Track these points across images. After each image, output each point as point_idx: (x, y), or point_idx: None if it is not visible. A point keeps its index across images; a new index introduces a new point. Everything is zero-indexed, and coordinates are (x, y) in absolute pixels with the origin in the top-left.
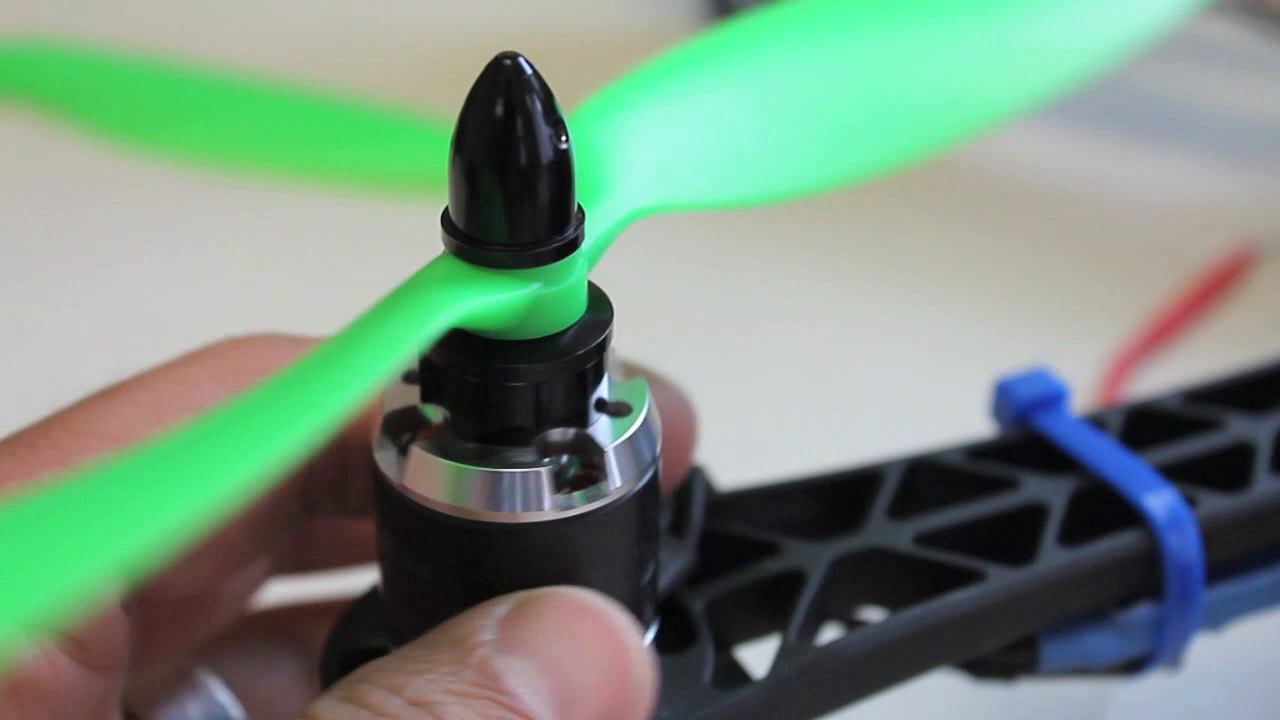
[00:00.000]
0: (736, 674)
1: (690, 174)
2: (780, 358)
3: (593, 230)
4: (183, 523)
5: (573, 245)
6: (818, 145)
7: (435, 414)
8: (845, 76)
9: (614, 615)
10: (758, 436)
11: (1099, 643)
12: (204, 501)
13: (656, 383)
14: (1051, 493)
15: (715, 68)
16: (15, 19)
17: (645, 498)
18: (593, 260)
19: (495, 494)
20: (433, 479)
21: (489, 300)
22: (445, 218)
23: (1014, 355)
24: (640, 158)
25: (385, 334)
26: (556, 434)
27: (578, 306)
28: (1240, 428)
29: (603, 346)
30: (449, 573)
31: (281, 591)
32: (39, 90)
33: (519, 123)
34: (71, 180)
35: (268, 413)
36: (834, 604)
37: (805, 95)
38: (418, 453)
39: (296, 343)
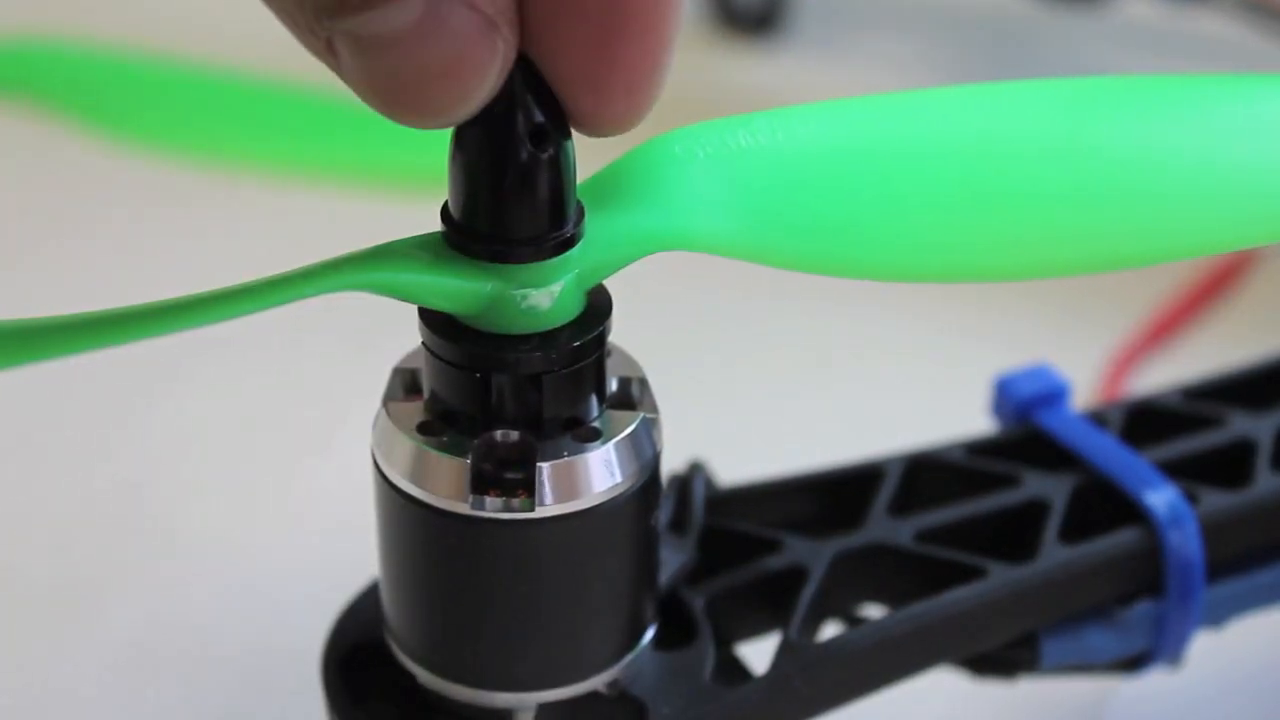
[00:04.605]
0: (737, 671)
1: (747, 221)
2: (781, 354)
3: (604, 246)
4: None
5: (538, 254)
6: (905, 232)
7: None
8: (975, 171)
9: None
10: (758, 433)
11: (1099, 640)
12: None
13: None
14: (1052, 490)
15: (835, 131)
16: (16, 18)
17: (578, 528)
18: (596, 275)
19: (427, 474)
20: (387, 447)
21: (429, 279)
22: (444, 204)
23: (1015, 352)
24: (702, 194)
25: (332, 267)
26: (500, 434)
27: (553, 312)
28: (1241, 425)
29: (559, 362)
30: (408, 548)
31: None
32: (40, 87)
33: (510, 121)
34: (72, 177)
35: (225, 293)
36: (834, 601)
37: (916, 182)
38: (386, 423)
39: None
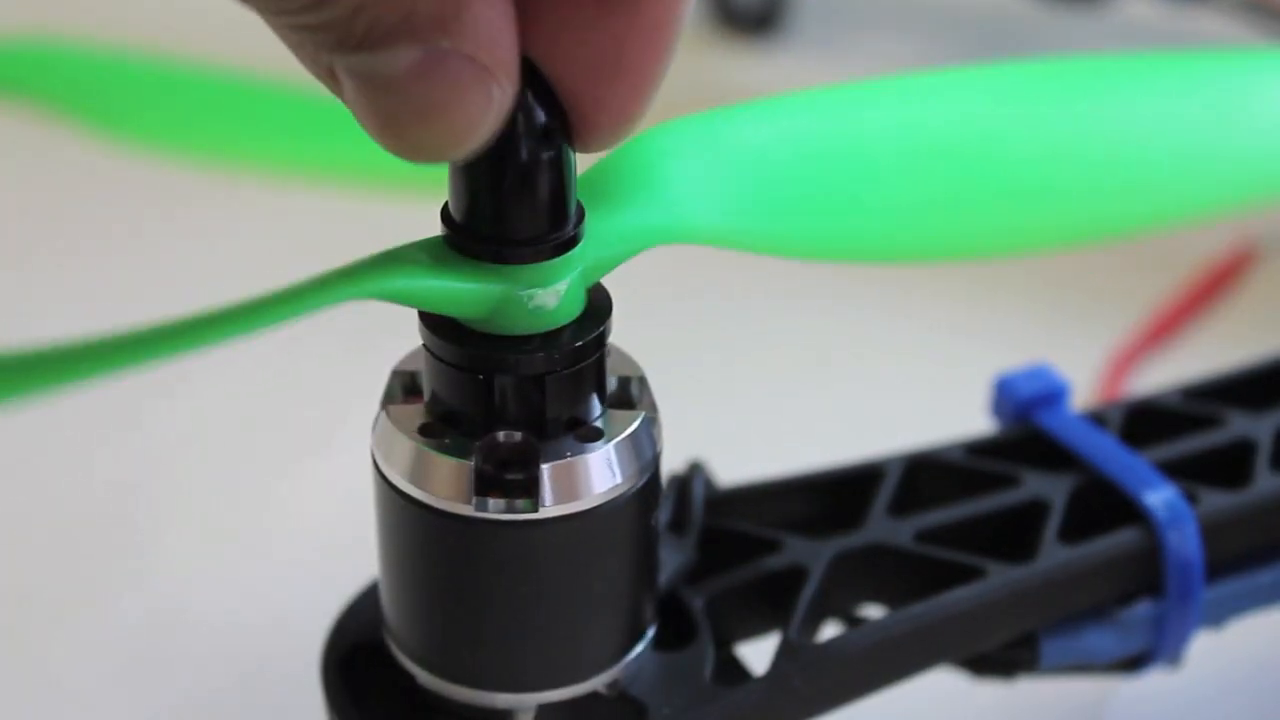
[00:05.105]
0: (737, 671)
1: (738, 213)
2: (781, 354)
3: (604, 242)
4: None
5: (546, 252)
6: (888, 216)
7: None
8: (945, 156)
9: None
10: (758, 433)
11: (1099, 640)
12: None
13: None
14: (1052, 490)
15: (811, 121)
16: (16, 18)
17: (580, 529)
18: (597, 271)
19: (428, 476)
20: (388, 449)
21: (438, 284)
22: (444, 205)
23: (1014, 352)
24: (692, 187)
25: (340, 278)
26: (502, 435)
27: (558, 311)
28: (1241, 425)
29: (561, 362)
30: (408, 549)
31: None
32: (40, 87)
33: (515, 122)
34: (72, 177)
35: (231, 312)
36: (834, 601)
37: (894, 167)
38: (386, 425)
39: None
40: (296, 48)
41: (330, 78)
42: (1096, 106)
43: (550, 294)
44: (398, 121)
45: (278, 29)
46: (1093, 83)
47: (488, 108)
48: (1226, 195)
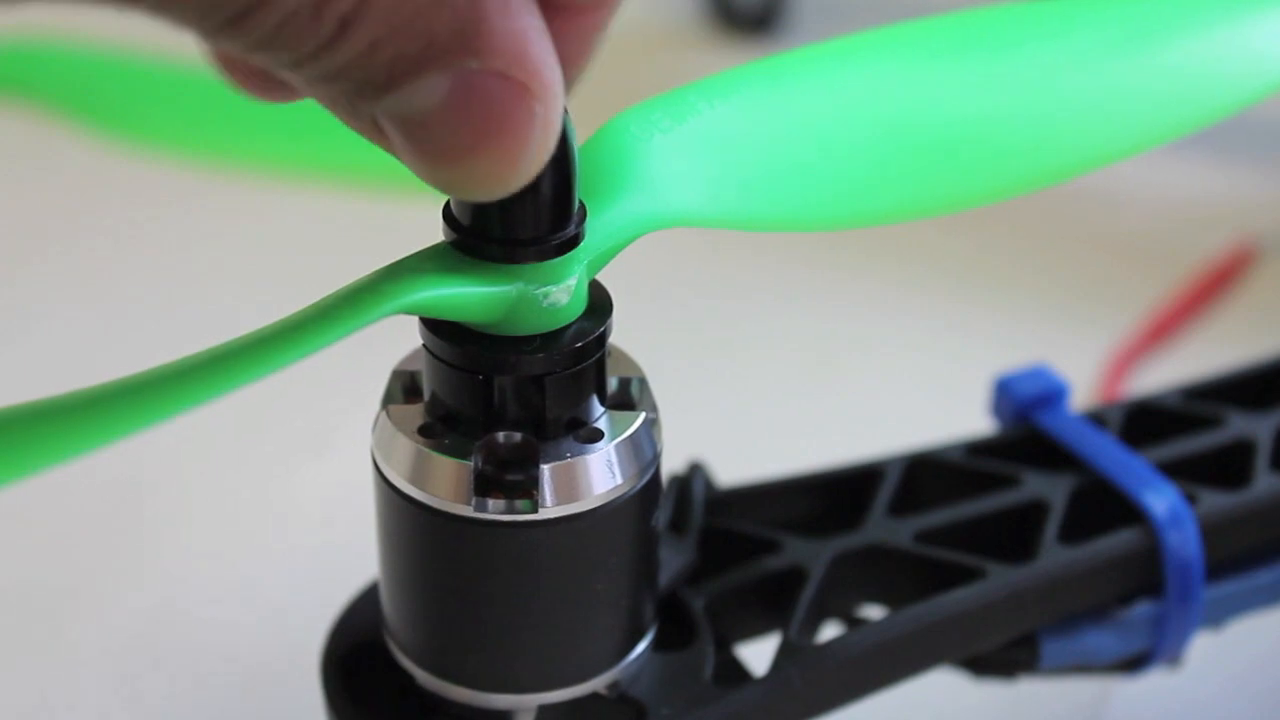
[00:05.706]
0: (737, 672)
1: (719, 192)
2: (781, 355)
3: (603, 234)
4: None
5: (559, 248)
6: (854, 180)
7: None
8: (897, 113)
9: None
10: (758, 433)
11: (1099, 640)
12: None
13: None
14: (1052, 490)
15: (767, 91)
16: (16, 18)
17: (580, 529)
18: (598, 265)
19: (428, 477)
20: (388, 450)
21: (453, 292)
22: (446, 207)
23: (1014, 352)
24: (671, 170)
25: (352, 303)
26: (502, 435)
27: (567, 309)
28: (1240, 425)
29: (561, 363)
30: (408, 549)
31: None
32: (40, 87)
33: None
34: (72, 177)
35: (253, 348)
36: (834, 601)
37: (851, 128)
38: (386, 425)
39: None
40: (332, 104)
41: (376, 131)
42: (1030, 49)
43: (563, 290)
44: (446, 160)
45: (308, 86)
46: (1026, 27)
47: (532, 127)
48: (1161, 126)
